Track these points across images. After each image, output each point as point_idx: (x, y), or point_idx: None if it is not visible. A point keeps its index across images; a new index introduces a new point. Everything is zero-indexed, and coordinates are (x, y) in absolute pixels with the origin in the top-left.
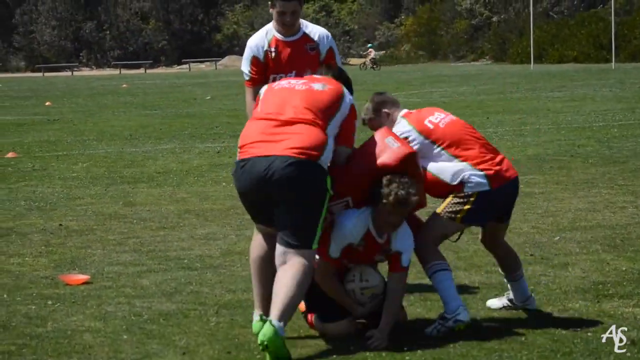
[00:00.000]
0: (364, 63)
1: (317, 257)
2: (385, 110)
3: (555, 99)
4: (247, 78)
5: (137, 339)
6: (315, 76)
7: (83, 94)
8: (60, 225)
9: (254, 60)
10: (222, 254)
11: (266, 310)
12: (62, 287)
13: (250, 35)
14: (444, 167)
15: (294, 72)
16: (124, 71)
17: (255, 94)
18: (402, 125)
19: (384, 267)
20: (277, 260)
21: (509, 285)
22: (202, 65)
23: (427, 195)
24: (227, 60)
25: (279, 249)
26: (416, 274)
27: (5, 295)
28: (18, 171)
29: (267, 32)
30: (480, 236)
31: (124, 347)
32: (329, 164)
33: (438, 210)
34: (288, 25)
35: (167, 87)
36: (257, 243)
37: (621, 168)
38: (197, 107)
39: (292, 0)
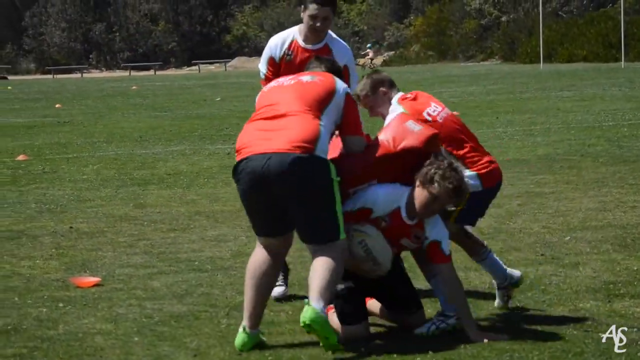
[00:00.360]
0: (364, 64)
1: None
2: (383, 89)
3: (565, 99)
4: (262, 77)
5: (149, 341)
6: (304, 72)
7: (93, 95)
8: (71, 227)
9: (271, 61)
10: (233, 255)
11: (252, 323)
12: (73, 289)
13: (260, 37)
14: None
15: None
16: (134, 73)
17: None
18: (400, 111)
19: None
20: (312, 255)
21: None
22: (212, 67)
23: None
24: (236, 61)
25: (309, 247)
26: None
27: (16, 298)
28: (29, 174)
29: (288, 35)
30: None
31: (135, 350)
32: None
33: None
34: (317, 31)
35: (176, 89)
36: (256, 256)
37: (631, 167)
38: (207, 108)
39: (326, 5)
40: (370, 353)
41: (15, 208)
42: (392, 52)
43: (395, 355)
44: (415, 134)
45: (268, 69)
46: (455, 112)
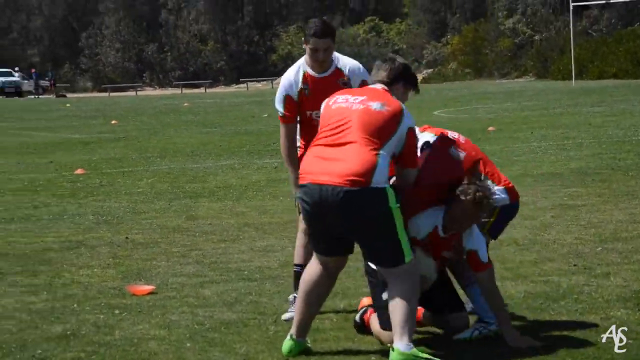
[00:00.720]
0: None
1: None
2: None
3: (596, 114)
4: (280, 115)
5: (200, 347)
6: (376, 88)
7: (147, 112)
8: (127, 238)
9: (288, 99)
10: (280, 265)
11: (299, 333)
12: (128, 297)
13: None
14: None
15: None
16: (185, 90)
17: (289, 132)
18: (428, 135)
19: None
20: (385, 276)
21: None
22: (259, 84)
23: None
24: None
25: (379, 270)
26: None
27: (75, 305)
28: (86, 187)
29: (299, 69)
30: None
31: (187, 355)
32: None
33: None
34: (321, 62)
35: (226, 106)
36: (312, 269)
37: None
38: (255, 124)
39: (325, 37)
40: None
41: (75, 220)
42: (430, 70)
43: None
44: (459, 163)
45: (285, 107)
46: (491, 128)
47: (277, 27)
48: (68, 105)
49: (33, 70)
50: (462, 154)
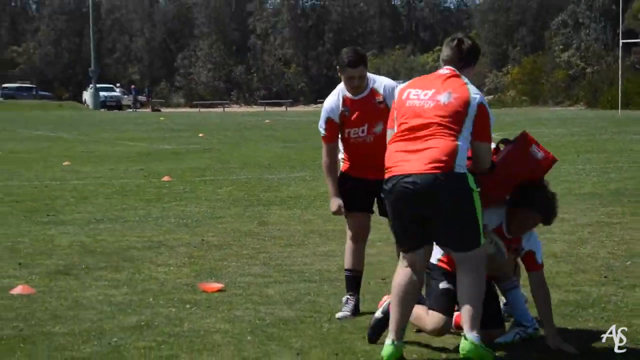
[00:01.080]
0: None
1: None
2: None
3: (638, 141)
4: (322, 135)
5: (259, 340)
6: (443, 74)
7: (232, 127)
8: (203, 240)
9: (329, 121)
10: (339, 269)
11: (398, 336)
12: (199, 293)
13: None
14: None
15: (366, 124)
16: (268, 109)
17: (330, 150)
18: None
19: None
20: (456, 262)
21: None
22: None
23: None
24: None
25: (452, 255)
26: None
27: (151, 299)
28: (171, 193)
29: (339, 94)
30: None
31: (247, 347)
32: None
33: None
34: (356, 87)
35: (304, 123)
36: (402, 270)
37: None
38: None
39: (358, 66)
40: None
41: (158, 222)
42: (490, 97)
43: None
44: (538, 161)
45: (327, 128)
46: None
47: None
48: (162, 118)
49: (133, 87)
50: (541, 154)
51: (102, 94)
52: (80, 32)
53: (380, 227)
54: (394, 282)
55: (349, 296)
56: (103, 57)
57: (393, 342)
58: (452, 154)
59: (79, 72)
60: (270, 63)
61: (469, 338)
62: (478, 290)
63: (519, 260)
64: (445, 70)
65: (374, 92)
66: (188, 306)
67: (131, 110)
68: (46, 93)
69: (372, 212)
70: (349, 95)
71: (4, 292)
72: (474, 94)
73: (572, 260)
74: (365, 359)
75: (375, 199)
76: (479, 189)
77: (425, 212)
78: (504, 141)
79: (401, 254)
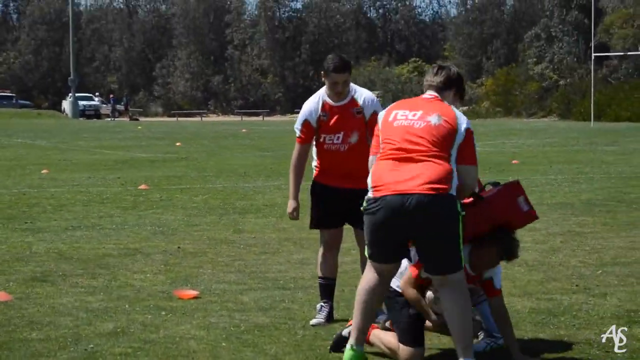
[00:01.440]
0: None
1: (407, 270)
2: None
3: (609, 152)
4: (297, 136)
5: (234, 347)
6: (428, 98)
7: (209, 136)
8: (179, 247)
9: (306, 124)
10: (313, 276)
11: (359, 341)
12: (175, 300)
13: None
14: None
15: (342, 132)
16: (245, 118)
17: (301, 152)
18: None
19: None
20: (439, 286)
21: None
22: None
23: None
24: None
25: (433, 279)
26: None
27: (127, 306)
28: (147, 200)
29: (319, 98)
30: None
31: (222, 353)
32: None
33: None
34: (339, 93)
35: (280, 132)
36: (368, 279)
37: None
38: None
39: (343, 72)
40: None
41: (134, 229)
42: (465, 107)
43: None
44: (522, 214)
45: (302, 130)
46: (515, 161)
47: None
48: (139, 127)
49: (112, 96)
50: (526, 208)
51: (81, 103)
52: (60, 41)
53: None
54: (359, 287)
55: (322, 303)
56: (82, 67)
57: (352, 347)
58: (449, 176)
59: (58, 80)
60: (247, 73)
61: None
62: (467, 315)
63: None
64: (429, 95)
65: (353, 101)
66: (164, 313)
67: (109, 119)
68: (26, 102)
69: (345, 223)
70: (329, 101)
71: None
72: (461, 118)
73: (543, 269)
74: None
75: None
76: (464, 213)
77: (415, 233)
78: (493, 184)
79: (370, 262)
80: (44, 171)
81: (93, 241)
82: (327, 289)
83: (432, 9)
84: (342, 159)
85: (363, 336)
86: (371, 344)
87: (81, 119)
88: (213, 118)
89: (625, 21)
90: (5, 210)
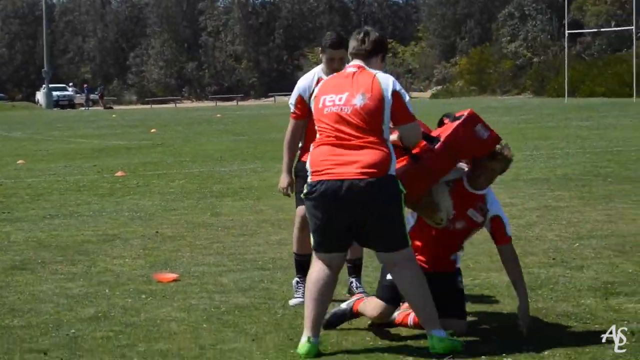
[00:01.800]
0: None
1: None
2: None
3: (584, 128)
4: (292, 112)
5: (215, 327)
6: (352, 72)
7: (183, 122)
8: (157, 232)
9: (300, 99)
10: (290, 256)
11: (314, 332)
12: (154, 284)
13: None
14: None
15: None
16: (219, 103)
17: (296, 127)
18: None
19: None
20: (388, 267)
21: None
22: (286, 98)
23: None
24: None
25: (380, 256)
26: None
27: (107, 290)
28: (125, 187)
29: (315, 74)
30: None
31: (203, 334)
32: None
33: None
34: (335, 70)
35: (254, 117)
36: (316, 270)
37: (636, 186)
38: (279, 133)
39: (339, 48)
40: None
41: (112, 216)
42: (439, 87)
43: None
44: (484, 142)
45: (297, 106)
46: None
47: (304, 48)
48: (114, 115)
49: (86, 86)
50: (487, 134)
51: (55, 93)
52: (34, 34)
53: None
54: (309, 279)
55: (298, 278)
56: (56, 58)
57: (309, 339)
58: (384, 159)
59: (32, 73)
60: (221, 59)
61: (433, 335)
62: (422, 288)
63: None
64: (352, 68)
65: None
66: (144, 296)
67: (84, 108)
68: (0, 95)
69: None
70: (324, 77)
71: None
72: (385, 85)
73: (520, 244)
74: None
75: None
76: (405, 191)
77: (359, 217)
78: (448, 115)
79: (316, 253)
80: (20, 162)
81: (71, 228)
82: (303, 265)
83: None
84: None
85: (318, 328)
86: (361, 314)
87: (55, 109)
88: (187, 104)
89: None
90: None
